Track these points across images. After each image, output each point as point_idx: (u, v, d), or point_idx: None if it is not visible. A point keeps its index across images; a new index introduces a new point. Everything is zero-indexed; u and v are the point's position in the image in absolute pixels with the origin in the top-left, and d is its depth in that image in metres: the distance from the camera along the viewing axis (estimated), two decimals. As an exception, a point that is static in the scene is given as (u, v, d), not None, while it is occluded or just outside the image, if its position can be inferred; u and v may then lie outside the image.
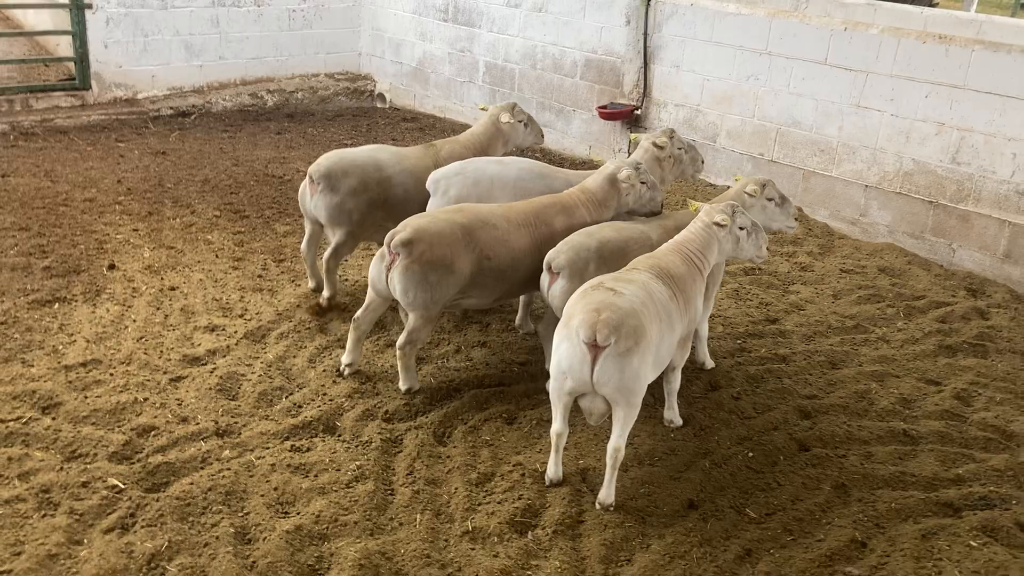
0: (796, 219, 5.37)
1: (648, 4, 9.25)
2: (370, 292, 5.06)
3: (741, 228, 4.74)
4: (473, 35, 11.03)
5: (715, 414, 5.08)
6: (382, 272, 4.86)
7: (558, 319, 4.35)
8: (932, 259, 7.55)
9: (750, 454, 4.70)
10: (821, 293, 6.81)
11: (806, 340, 6.02)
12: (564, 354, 4.06)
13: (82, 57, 10.08)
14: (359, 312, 5.15)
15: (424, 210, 5.48)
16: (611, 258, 4.78)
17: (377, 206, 5.78)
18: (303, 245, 6.14)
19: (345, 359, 5.21)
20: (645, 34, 9.33)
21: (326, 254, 5.89)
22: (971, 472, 4.65)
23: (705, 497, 4.34)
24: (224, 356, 5.32)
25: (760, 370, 5.57)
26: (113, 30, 10.22)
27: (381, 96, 12.39)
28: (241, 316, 5.82)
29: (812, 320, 6.32)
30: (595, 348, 3.96)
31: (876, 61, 7.73)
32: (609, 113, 9.64)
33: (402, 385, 5.09)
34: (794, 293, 6.80)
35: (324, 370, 5.24)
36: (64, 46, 10.55)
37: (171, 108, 10.67)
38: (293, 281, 6.38)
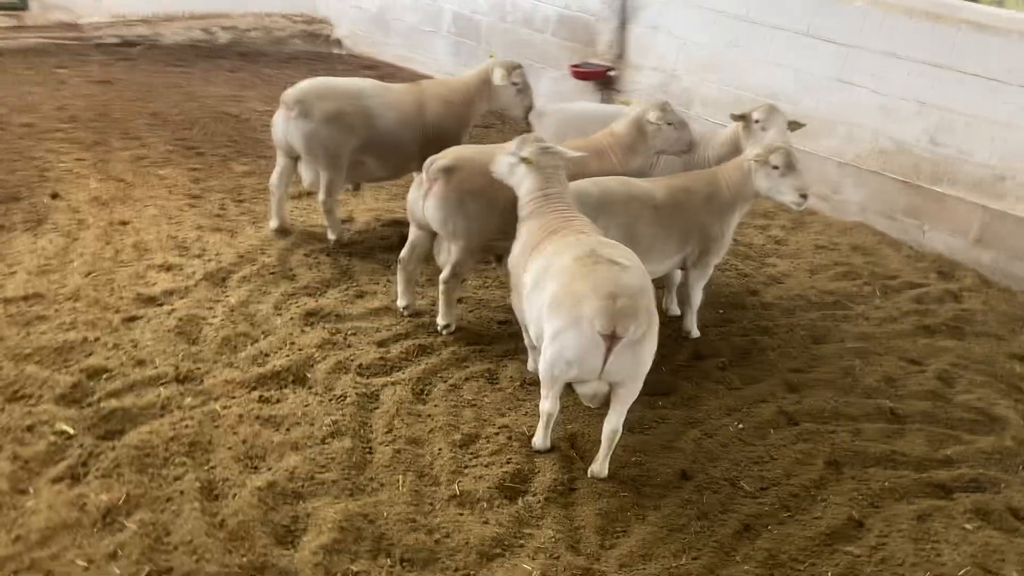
0: (804, 196, 4.95)
1: (629, -38, 8.96)
2: (412, 227, 4.95)
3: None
4: (441, -17, 10.59)
5: (702, 383, 4.89)
6: (419, 200, 4.73)
7: None
8: (902, 239, 7.48)
9: (740, 425, 4.53)
10: (798, 268, 6.68)
11: (787, 314, 5.87)
12: (570, 344, 3.66)
13: (21, -26, 9.36)
14: (403, 252, 5.02)
15: (408, 149, 5.50)
16: (611, 210, 4.59)
17: (355, 137, 5.45)
18: (272, 178, 5.76)
19: (400, 302, 5.11)
20: (623, -7, 9.04)
21: (320, 196, 5.61)
22: (960, 453, 4.55)
23: (698, 468, 4.15)
24: (183, 297, 4.92)
25: (744, 341, 5.40)
26: (56, -53, 9.51)
27: (338, 42, 11.85)
28: (199, 256, 5.41)
29: (792, 294, 6.18)
30: (611, 338, 3.62)
31: (861, 35, 7.58)
32: (582, 72, 9.33)
33: (440, 320, 4.96)
34: (771, 266, 6.65)
35: (291, 318, 4.88)
36: (1, -40, 9.77)
37: (116, 36, 10.01)
38: (254, 223, 5.97)
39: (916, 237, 7.47)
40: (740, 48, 8.35)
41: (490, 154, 4.74)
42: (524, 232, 4.30)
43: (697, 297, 5.30)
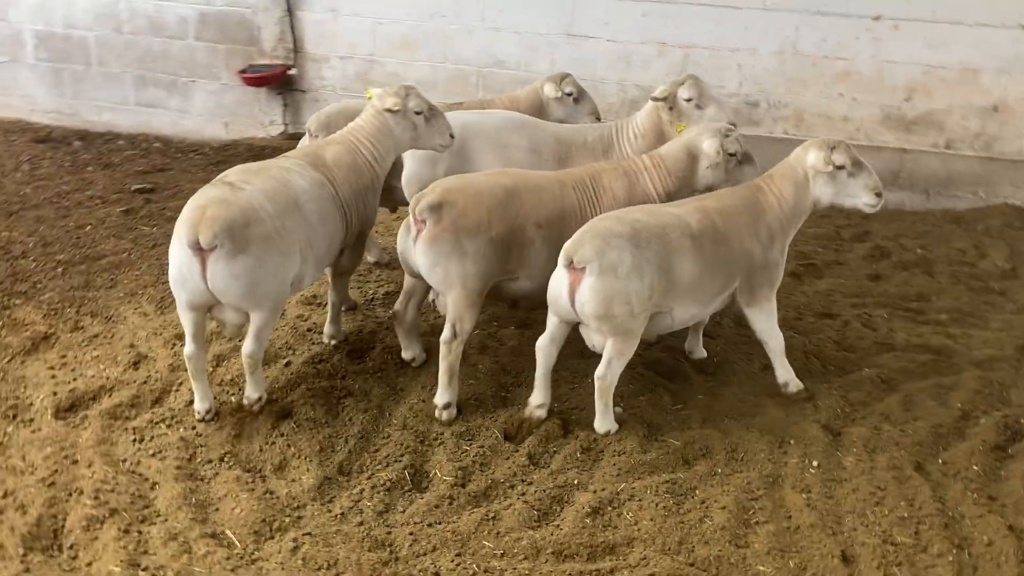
0: (879, 194, 4.06)
1: (280, -64, 7.41)
2: (407, 277, 4.28)
3: (418, 112, 4.31)
4: None
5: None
6: (409, 245, 3.99)
7: None
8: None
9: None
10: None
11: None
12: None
13: None
14: (398, 304, 4.35)
15: None
16: (648, 247, 3.74)
17: None
18: None
19: (406, 354, 4.42)
20: (281, -24, 7.49)
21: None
22: None
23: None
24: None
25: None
26: None
27: None
28: None
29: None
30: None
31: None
32: (255, 78, 7.65)
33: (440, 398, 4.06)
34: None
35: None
36: None
37: None
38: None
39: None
40: (447, 18, 7.42)
41: (484, 183, 4.03)
42: None
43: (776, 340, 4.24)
